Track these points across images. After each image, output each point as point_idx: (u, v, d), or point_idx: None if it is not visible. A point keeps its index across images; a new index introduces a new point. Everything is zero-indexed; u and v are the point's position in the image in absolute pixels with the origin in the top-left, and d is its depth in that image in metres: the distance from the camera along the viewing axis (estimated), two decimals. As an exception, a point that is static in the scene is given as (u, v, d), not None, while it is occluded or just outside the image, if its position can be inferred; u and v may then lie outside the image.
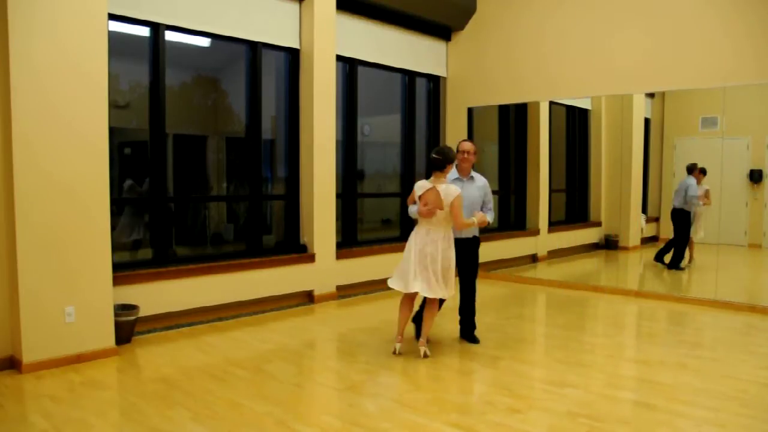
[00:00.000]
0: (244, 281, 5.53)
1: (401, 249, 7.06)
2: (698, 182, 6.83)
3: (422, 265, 4.17)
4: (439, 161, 4.19)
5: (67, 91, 4.01)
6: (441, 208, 4.12)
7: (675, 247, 7.13)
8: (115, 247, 4.71)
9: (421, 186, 4.27)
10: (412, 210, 4.38)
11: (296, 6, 6.05)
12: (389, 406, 3.40)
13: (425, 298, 4.36)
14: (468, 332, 4.81)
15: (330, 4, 6.10)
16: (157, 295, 4.92)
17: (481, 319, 5.74)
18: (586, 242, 8.16)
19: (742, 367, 4.11)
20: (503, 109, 8.22)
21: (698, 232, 6.97)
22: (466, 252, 4.62)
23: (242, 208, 6.57)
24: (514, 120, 8.31)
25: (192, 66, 6.66)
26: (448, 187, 4.16)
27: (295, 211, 6.20)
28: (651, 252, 7.97)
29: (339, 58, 6.42)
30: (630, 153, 7.43)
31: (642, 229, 7.74)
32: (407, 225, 7.61)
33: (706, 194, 6.76)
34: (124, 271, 4.75)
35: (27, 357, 3.90)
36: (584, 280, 7.36)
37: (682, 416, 3.24)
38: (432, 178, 4.23)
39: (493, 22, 7.48)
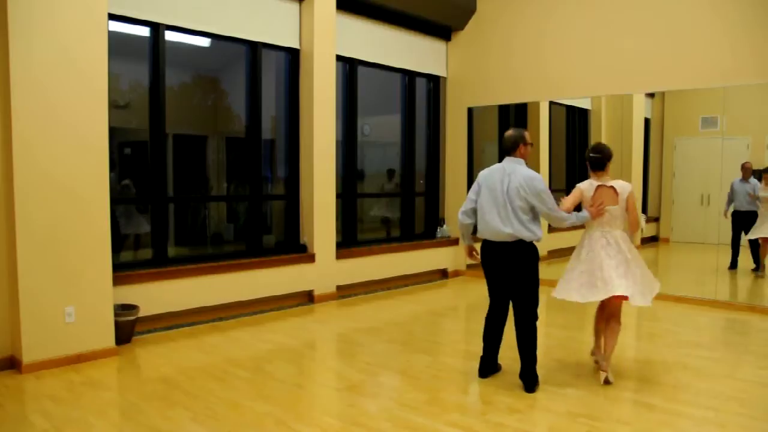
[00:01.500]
0: (244, 281, 5.53)
1: (401, 249, 7.16)
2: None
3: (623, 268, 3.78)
4: (599, 159, 3.91)
5: (67, 90, 4.01)
6: (615, 204, 3.83)
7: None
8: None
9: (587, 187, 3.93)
10: (580, 216, 3.85)
11: (296, 6, 6.05)
12: (389, 406, 3.40)
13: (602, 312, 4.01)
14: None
15: (330, 4, 6.10)
16: (157, 295, 4.92)
17: (480, 319, 5.73)
18: (586, 242, 8.14)
19: (742, 367, 4.11)
20: (503, 109, 8.21)
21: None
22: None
23: (242, 208, 6.57)
24: (514, 120, 8.30)
25: (192, 66, 6.67)
26: (619, 182, 3.90)
27: (295, 211, 6.20)
28: (651, 252, 7.97)
29: (339, 58, 6.42)
30: (630, 153, 7.42)
31: (642, 229, 7.72)
32: (407, 225, 7.62)
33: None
34: (124, 271, 4.75)
35: (27, 357, 3.90)
36: (584, 280, 7.34)
37: (682, 416, 3.25)
38: (593, 177, 3.93)
39: (493, 22, 7.48)
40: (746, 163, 6.59)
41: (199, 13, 5.31)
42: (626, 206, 3.83)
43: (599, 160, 3.90)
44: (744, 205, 6.65)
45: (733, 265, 6.78)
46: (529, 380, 3.63)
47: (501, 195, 3.62)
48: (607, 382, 3.70)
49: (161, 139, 5.17)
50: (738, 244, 6.76)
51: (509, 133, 3.78)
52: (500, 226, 3.61)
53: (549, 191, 3.65)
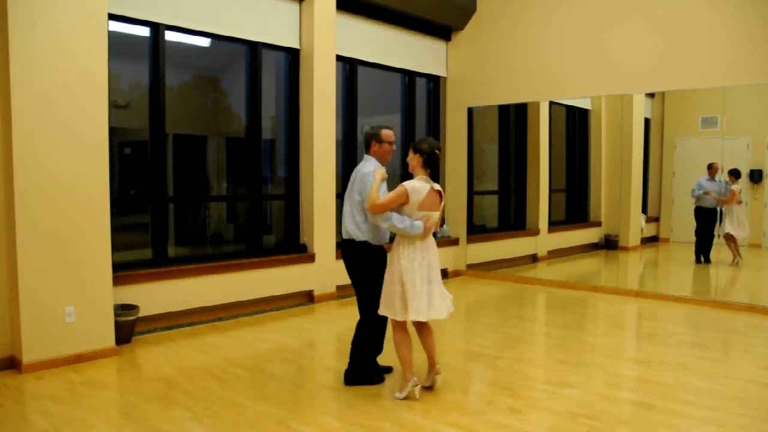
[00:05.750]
0: (244, 281, 5.53)
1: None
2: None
3: (437, 282, 3.51)
4: (435, 157, 3.53)
5: (67, 89, 4.01)
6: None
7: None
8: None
9: (420, 188, 3.46)
10: (413, 225, 3.41)
11: (296, 6, 6.05)
12: (389, 406, 3.40)
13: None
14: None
15: (330, 4, 6.10)
16: (157, 295, 4.92)
17: (480, 318, 5.75)
18: (586, 242, 8.16)
19: (742, 367, 4.11)
20: (503, 109, 8.22)
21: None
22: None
23: (242, 208, 6.57)
24: (514, 120, 8.31)
25: (192, 66, 6.66)
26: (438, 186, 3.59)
27: (295, 211, 6.20)
28: (651, 252, 7.98)
29: (339, 58, 6.41)
30: (630, 153, 7.43)
31: (642, 229, 7.74)
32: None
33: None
34: (124, 271, 4.75)
35: (27, 357, 3.90)
36: (584, 280, 7.36)
37: (682, 416, 3.25)
38: (423, 176, 3.51)
39: (493, 22, 7.48)
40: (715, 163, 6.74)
41: (199, 13, 5.31)
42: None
43: (435, 157, 3.50)
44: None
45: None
46: (348, 376, 3.71)
47: (348, 193, 3.69)
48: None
49: (161, 139, 5.17)
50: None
51: (366, 130, 3.76)
52: (343, 224, 3.69)
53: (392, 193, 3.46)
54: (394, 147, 3.73)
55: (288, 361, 4.30)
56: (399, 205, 3.42)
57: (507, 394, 3.56)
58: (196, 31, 5.37)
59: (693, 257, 7.13)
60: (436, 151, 3.50)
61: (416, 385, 3.46)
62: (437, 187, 3.53)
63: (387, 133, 3.69)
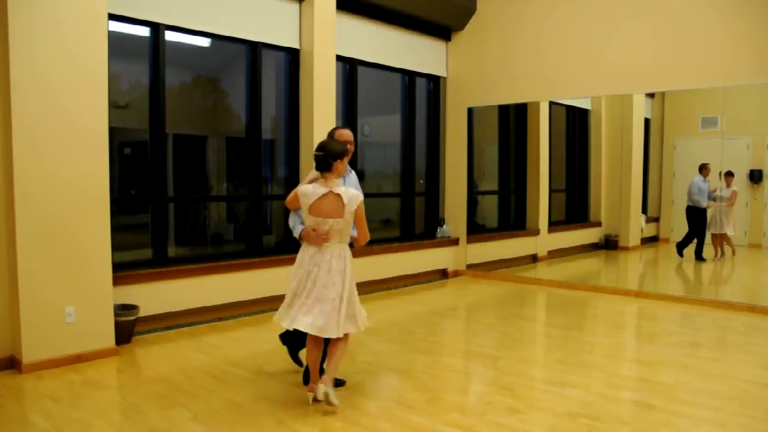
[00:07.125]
0: (244, 281, 5.53)
1: (401, 249, 7.16)
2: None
3: (313, 295, 3.24)
4: (320, 158, 3.26)
5: (67, 87, 4.01)
6: (342, 217, 3.26)
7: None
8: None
9: (311, 192, 3.31)
10: (295, 227, 3.50)
11: (296, 6, 6.05)
12: (389, 406, 3.40)
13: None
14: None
15: (330, 4, 6.10)
16: (157, 295, 4.92)
17: (480, 318, 5.75)
18: (586, 242, 8.16)
19: (742, 367, 4.11)
20: (503, 109, 8.22)
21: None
22: None
23: (242, 208, 6.57)
24: (514, 120, 8.31)
25: (192, 66, 6.66)
26: (348, 190, 3.29)
27: (295, 211, 6.20)
28: (651, 252, 7.98)
29: (339, 58, 6.41)
30: (630, 153, 7.43)
31: (642, 229, 7.74)
32: (407, 225, 7.62)
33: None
34: (124, 271, 4.75)
35: (27, 357, 3.90)
36: (584, 280, 7.36)
37: (682, 416, 3.25)
38: (321, 180, 3.32)
39: (493, 22, 7.48)
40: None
41: (199, 13, 5.31)
42: (356, 220, 3.29)
43: (322, 158, 3.25)
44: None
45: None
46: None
47: None
48: (329, 402, 3.26)
49: (161, 139, 5.17)
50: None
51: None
52: None
53: (295, 189, 3.40)
54: (351, 147, 3.49)
55: (288, 361, 4.29)
56: (297, 207, 3.48)
57: (507, 394, 3.56)
58: (196, 31, 5.37)
59: (692, 256, 7.14)
60: (316, 153, 3.28)
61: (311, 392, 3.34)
62: (341, 191, 3.25)
63: (340, 132, 3.54)
